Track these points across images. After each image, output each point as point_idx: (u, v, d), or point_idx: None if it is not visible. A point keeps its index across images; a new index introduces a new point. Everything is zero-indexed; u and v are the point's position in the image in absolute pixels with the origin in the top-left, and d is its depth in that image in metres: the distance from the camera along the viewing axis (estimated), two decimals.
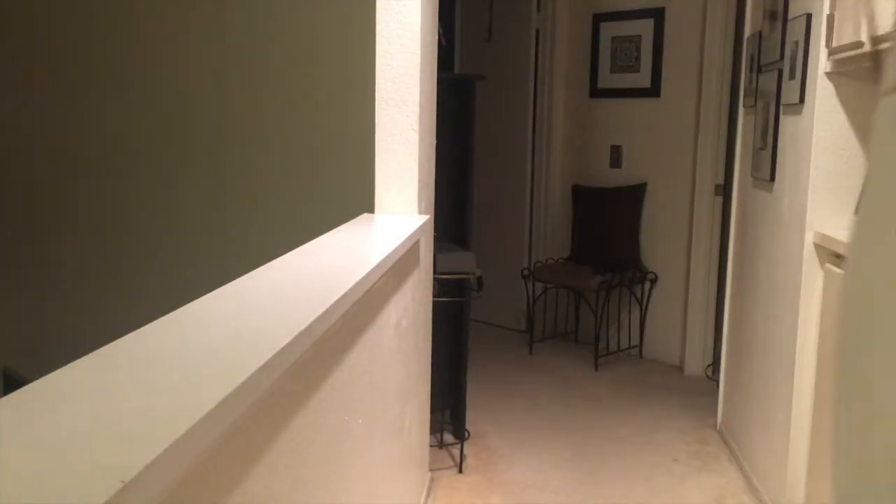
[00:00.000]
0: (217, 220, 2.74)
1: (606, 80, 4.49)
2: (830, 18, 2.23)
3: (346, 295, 1.24)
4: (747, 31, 3.18)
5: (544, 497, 2.81)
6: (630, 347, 4.46)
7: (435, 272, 2.70)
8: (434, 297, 2.70)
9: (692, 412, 3.59)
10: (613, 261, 4.27)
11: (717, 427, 3.37)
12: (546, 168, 4.75)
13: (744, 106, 3.17)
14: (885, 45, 1.84)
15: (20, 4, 3.04)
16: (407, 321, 2.11)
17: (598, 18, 4.47)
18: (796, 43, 2.44)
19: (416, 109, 2.32)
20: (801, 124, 2.42)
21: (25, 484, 0.59)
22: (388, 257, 1.63)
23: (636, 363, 4.37)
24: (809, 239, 2.35)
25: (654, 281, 4.36)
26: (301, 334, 1.00)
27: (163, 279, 2.80)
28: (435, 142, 2.65)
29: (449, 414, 3.18)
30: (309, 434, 1.18)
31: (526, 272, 4.55)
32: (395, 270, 1.87)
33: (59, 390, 0.78)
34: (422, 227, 2.22)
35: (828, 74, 2.29)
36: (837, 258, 2.22)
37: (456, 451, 3.04)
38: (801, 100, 2.40)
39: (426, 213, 2.44)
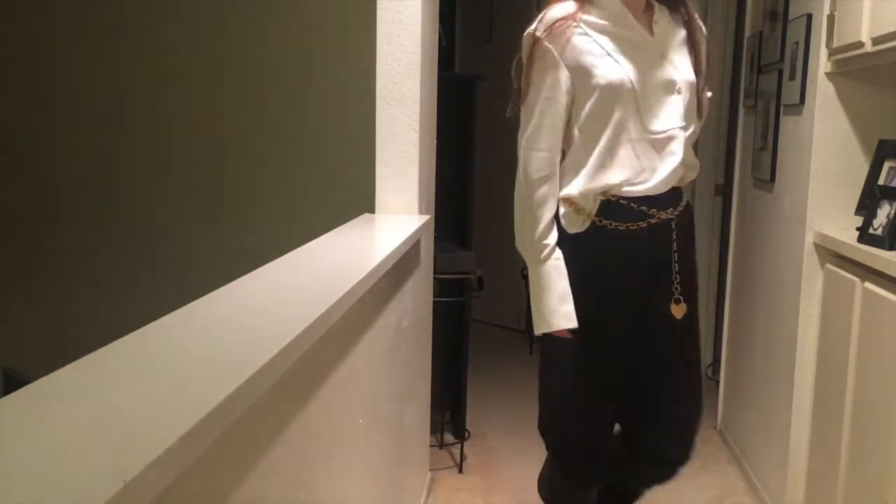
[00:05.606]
0: (217, 220, 2.74)
1: None
2: (830, 18, 2.23)
3: (346, 295, 1.23)
4: (747, 32, 3.18)
5: None
6: None
7: (435, 272, 2.70)
8: (434, 297, 2.70)
9: None
10: None
11: (717, 427, 3.37)
12: None
13: (744, 106, 3.17)
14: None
15: (21, 7, 3.04)
16: (407, 321, 2.11)
17: None
18: (796, 43, 2.44)
19: (417, 109, 2.32)
20: (801, 124, 2.42)
21: (25, 484, 0.59)
22: (388, 257, 1.63)
23: None
24: (809, 239, 2.35)
25: None
26: (301, 334, 1.00)
27: (163, 279, 2.80)
28: (435, 142, 2.66)
29: (449, 414, 3.18)
30: (309, 434, 1.18)
31: (526, 272, 4.54)
32: (396, 270, 1.87)
33: (59, 390, 0.78)
34: (422, 227, 2.22)
35: (828, 75, 2.29)
36: (838, 258, 2.22)
37: (456, 451, 3.04)
38: (802, 100, 2.40)
39: (426, 213, 2.44)
